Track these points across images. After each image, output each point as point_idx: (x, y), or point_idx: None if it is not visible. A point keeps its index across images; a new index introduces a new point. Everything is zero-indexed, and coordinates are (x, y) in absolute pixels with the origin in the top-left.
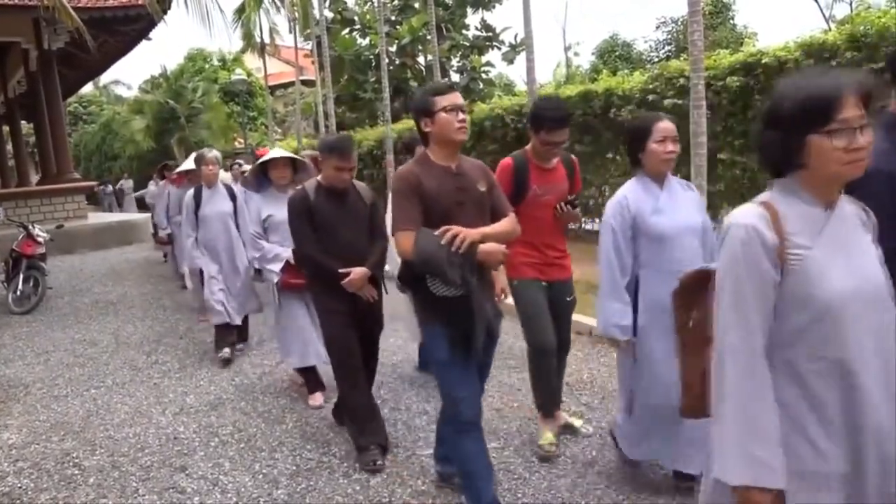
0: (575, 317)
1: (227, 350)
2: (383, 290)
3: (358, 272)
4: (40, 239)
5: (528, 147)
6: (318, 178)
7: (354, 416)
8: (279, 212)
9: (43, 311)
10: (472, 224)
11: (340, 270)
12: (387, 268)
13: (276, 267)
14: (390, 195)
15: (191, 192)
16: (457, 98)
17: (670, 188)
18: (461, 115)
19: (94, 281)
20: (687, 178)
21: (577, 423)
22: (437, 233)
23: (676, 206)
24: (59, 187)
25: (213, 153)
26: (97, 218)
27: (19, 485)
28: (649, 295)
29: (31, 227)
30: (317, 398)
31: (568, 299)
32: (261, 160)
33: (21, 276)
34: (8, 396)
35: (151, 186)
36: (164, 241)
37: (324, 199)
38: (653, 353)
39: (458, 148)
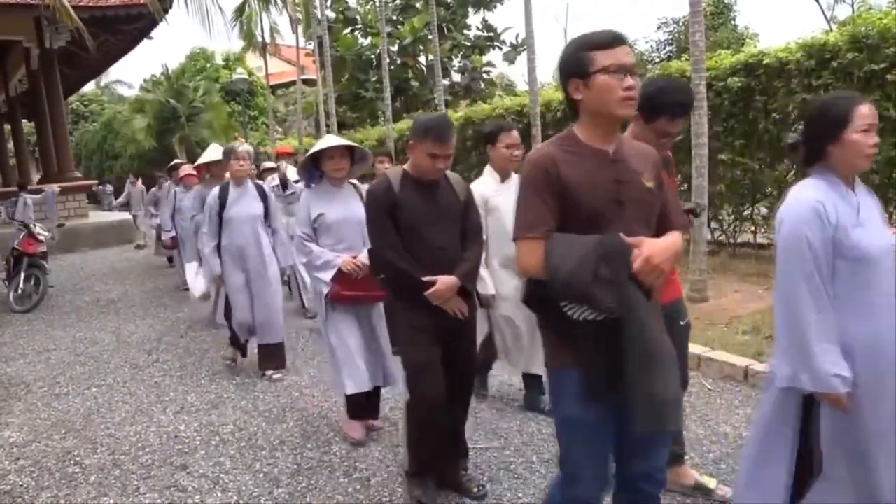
0: None
1: (238, 357)
2: (476, 304)
3: (445, 281)
4: (41, 237)
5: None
6: (405, 166)
7: (420, 463)
8: (332, 210)
9: (44, 310)
10: (632, 233)
11: (424, 279)
12: None
13: (327, 276)
14: (518, 185)
15: (215, 190)
16: (624, 55)
17: (861, 193)
18: (629, 80)
19: (95, 279)
20: (687, 178)
21: (711, 483)
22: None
23: (873, 218)
24: (60, 186)
25: (246, 147)
26: (98, 217)
27: (20, 483)
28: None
29: (32, 225)
30: (357, 430)
31: (682, 323)
32: (312, 150)
33: (22, 275)
34: (9, 395)
35: (130, 187)
36: (168, 246)
37: (411, 192)
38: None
39: (618, 125)
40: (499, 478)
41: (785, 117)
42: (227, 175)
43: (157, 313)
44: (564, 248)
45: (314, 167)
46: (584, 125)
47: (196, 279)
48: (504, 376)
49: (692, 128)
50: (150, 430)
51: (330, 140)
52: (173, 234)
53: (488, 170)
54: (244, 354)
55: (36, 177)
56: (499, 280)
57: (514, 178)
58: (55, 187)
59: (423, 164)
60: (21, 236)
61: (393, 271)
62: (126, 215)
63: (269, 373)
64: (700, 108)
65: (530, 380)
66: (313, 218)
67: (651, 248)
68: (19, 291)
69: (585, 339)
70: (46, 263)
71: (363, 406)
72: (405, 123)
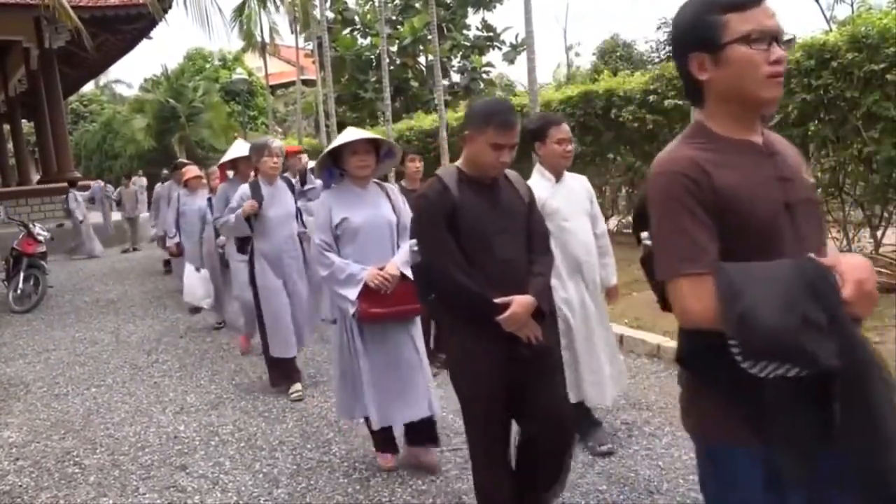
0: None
1: (298, 386)
2: (558, 329)
3: (521, 302)
4: (41, 237)
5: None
6: (458, 164)
7: None
8: (357, 214)
9: (43, 310)
10: (811, 250)
11: (497, 301)
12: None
13: (352, 292)
14: (651, 207)
15: (244, 188)
16: (766, 17)
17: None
18: (777, 52)
19: (95, 280)
20: None
21: None
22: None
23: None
24: (59, 186)
25: (279, 143)
26: (97, 217)
27: (20, 483)
28: None
29: (31, 225)
30: (389, 458)
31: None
32: (332, 144)
33: (21, 275)
34: (8, 395)
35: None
36: (175, 253)
37: (471, 195)
38: None
39: (759, 111)
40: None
41: (785, 117)
42: (252, 173)
43: (156, 314)
44: (750, 283)
45: (334, 165)
46: (716, 114)
47: (195, 284)
48: None
49: None
50: (149, 430)
51: (353, 133)
52: (178, 239)
53: (539, 169)
54: (297, 377)
55: (36, 177)
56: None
57: (569, 178)
58: (100, 182)
59: (484, 158)
60: (21, 236)
61: (457, 292)
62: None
63: (292, 391)
64: None
65: (580, 410)
66: (335, 223)
67: (854, 269)
68: (18, 292)
69: (778, 404)
70: (46, 263)
71: (391, 439)
72: (404, 124)
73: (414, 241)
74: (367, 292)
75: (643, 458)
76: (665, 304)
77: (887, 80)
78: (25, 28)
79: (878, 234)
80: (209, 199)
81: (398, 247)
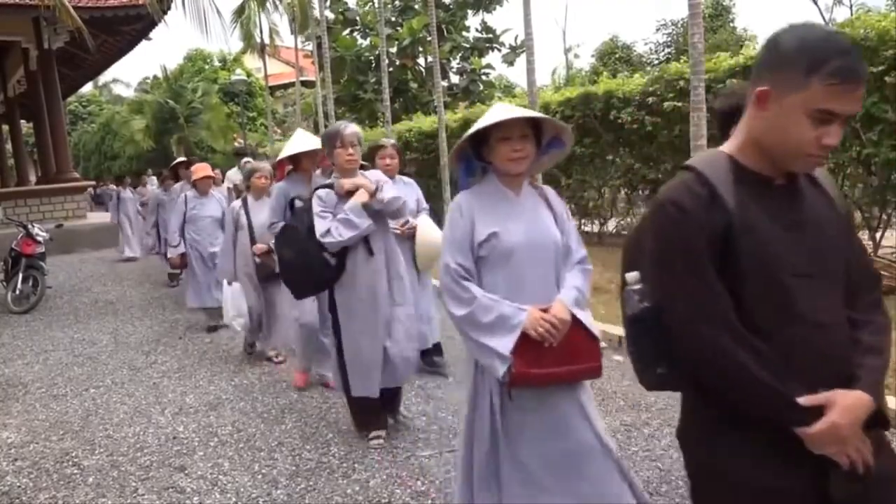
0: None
1: (381, 433)
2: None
3: (847, 407)
4: (39, 238)
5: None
6: (727, 148)
7: None
8: (511, 228)
9: (42, 311)
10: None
11: (803, 401)
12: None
13: (505, 343)
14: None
15: (322, 191)
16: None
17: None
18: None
19: (94, 280)
20: None
21: None
22: None
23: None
24: (58, 187)
25: (355, 129)
26: (96, 218)
27: (18, 484)
28: None
29: (30, 226)
30: None
31: None
32: (477, 125)
33: (20, 276)
34: (7, 395)
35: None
36: (177, 265)
37: (757, 207)
38: None
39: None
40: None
41: None
42: (318, 170)
43: (155, 314)
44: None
45: (476, 155)
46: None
47: (228, 302)
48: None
49: (691, 130)
50: (148, 431)
51: (503, 110)
52: (182, 249)
53: None
54: (384, 421)
55: (34, 177)
56: None
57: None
58: (111, 185)
59: (794, 136)
60: (19, 237)
61: (735, 380)
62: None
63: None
64: (699, 110)
65: None
66: (479, 240)
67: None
68: (17, 292)
69: None
70: (45, 264)
71: None
72: (404, 125)
73: (635, 276)
74: (525, 345)
75: (642, 460)
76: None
77: (886, 83)
78: (24, 29)
79: (877, 235)
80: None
81: (563, 277)
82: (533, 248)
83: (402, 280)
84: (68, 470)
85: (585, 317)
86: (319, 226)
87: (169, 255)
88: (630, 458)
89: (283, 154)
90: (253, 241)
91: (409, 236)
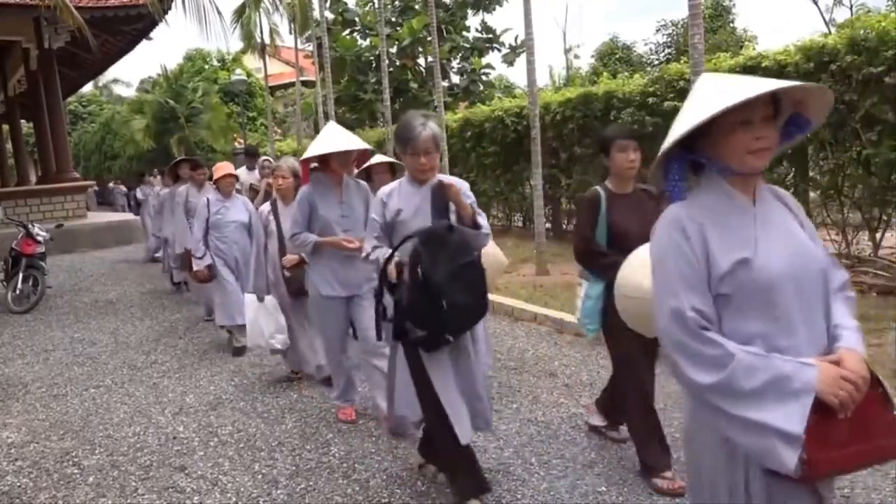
0: (570, 318)
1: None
2: None
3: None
4: (40, 238)
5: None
6: None
7: None
8: (767, 252)
9: (42, 311)
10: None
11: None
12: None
13: (790, 418)
14: None
15: (384, 192)
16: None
17: None
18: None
19: (94, 280)
20: None
21: None
22: None
23: None
24: (58, 186)
25: (432, 129)
26: (96, 217)
27: (18, 484)
28: None
29: (30, 226)
30: None
31: None
32: (701, 114)
33: (20, 275)
34: (7, 395)
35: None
36: (205, 278)
37: None
38: None
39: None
40: (497, 479)
41: None
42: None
43: (155, 314)
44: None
45: (691, 153)
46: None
47: (260, 319)
48: (502, 377)
49: None
50: (148, 430)
51: (739, 84)
52: (209, 261)
53: None
54: (486, 485)
55: (34, 177)
56: None
57: None
58: (121, 186)
59: None
60: (20, 237)
61: None
62: (126, 216)
63: None
64: None
65: None
66: (720, 274)
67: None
68: (17, 292)
69: None
70: (45, 264)
71: None
72: None
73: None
74: (816, 416)
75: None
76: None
77: (886, 84)
78: (25, 28)
79: (877, 236)
80: (273, 203)
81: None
82: (797, 277)
83: None
84: (68, 470)
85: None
86: (366, 242)
87: (195, 268)
88: (630, 458)
89: (311, 153)
90: (283, 251)
91: None
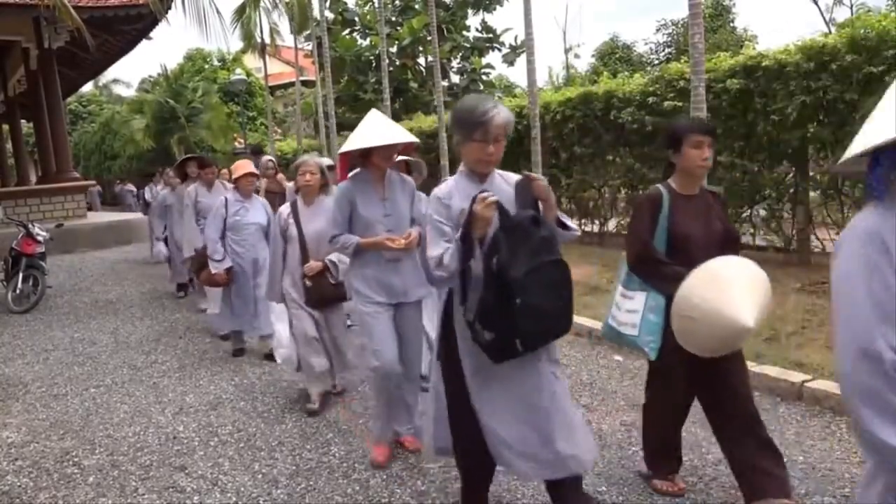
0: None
1: None
2: None
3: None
4: (40, 238)
5: None
6: None
7: None
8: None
9: (42, 310)
10: None
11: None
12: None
13: None
14: None
15: (446, 187)
16: None
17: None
18: None
19: (94, 280)
20: None
21: None
22: None
23: None
24: (58, 186)
25: (505, 114)
26: (96, 217)
27: (18, 483)
28: None
29: (30, 225)
30: None
31: None
32: None
33: (20, 275)
34: (7, 395)
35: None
36: (223, 281)
37: None
38: None
39: None
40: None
41: (784, 119)
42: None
43: (155, 314)
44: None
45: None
46: None
47: (286, 331)
48: None
49: None
50: (148, 430)
51: None
52: (228, 263)
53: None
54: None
55: (34, 177)
56: None
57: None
58: (130, 185)
59: None
60: (20, 237)
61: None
62: (127, 216)
63: None
64: (699, 109)
65: None
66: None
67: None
68: (17, 292)
69: None
70: (45, 264)
71: None
72: (404, 125)
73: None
74: None
75: (643, 460)
76: None
77: (886, 83)
78: (25, 28)
79: None
80: (293, 205)
81: None
82: None
83: None
84: (68, 469)
85: None
86: (433, 248)
87: (213, 271)
88: (630, 458)
89: (353, 145)
90: (305, 258)
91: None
